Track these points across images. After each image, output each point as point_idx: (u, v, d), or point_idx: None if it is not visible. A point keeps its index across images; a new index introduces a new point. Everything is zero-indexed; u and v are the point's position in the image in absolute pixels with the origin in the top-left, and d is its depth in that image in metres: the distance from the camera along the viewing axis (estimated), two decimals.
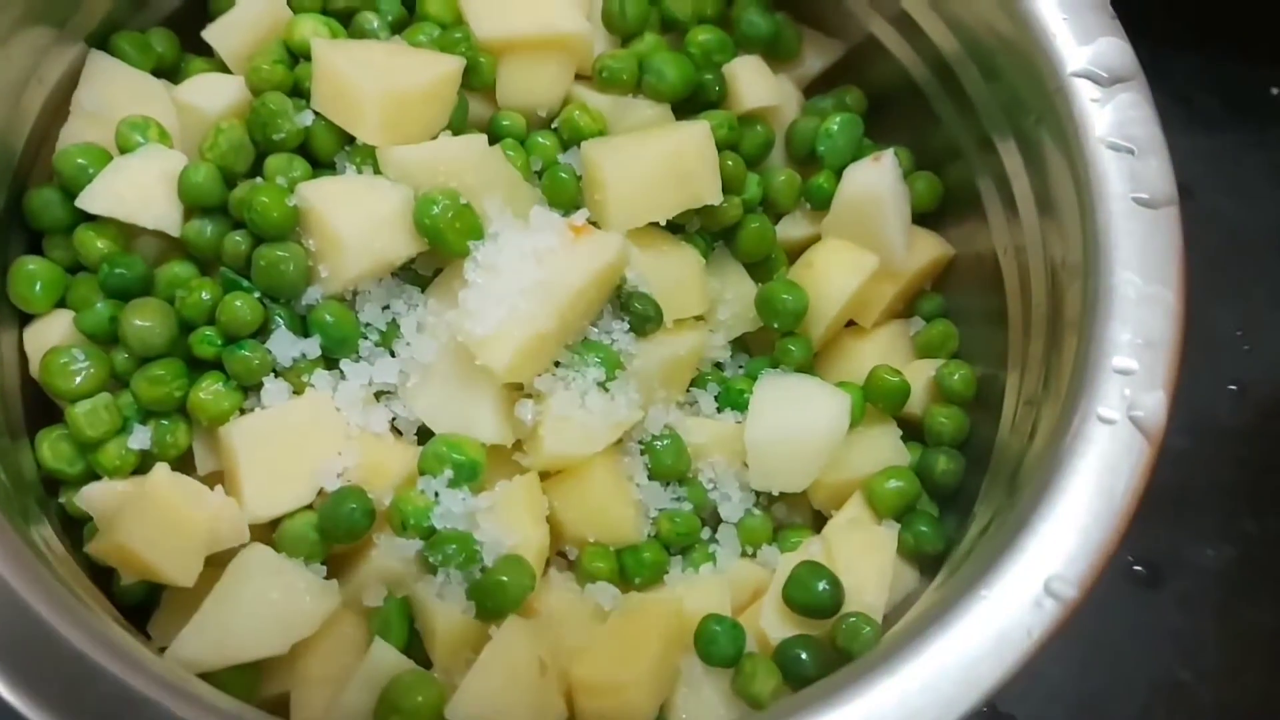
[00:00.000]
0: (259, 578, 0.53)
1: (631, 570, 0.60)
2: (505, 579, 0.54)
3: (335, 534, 0.55)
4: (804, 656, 0.56)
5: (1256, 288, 0.84)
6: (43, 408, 0.60)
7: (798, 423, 0.61)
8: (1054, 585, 0.46)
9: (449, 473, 0.56)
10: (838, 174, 0.67)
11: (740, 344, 0.69)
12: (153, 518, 0.53)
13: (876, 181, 0.65)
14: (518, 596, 0.53)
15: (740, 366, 0.68)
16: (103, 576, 0.56)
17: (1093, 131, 0.53)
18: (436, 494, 0.56)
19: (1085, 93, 0.53)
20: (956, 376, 0.64)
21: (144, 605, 0.57)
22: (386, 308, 0.60)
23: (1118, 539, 0.47)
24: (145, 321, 0.57)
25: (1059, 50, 0.54)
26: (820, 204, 0.68)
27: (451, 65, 0.61)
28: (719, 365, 0.68)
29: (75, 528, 0.58)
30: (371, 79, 0.59)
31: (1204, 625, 0.76)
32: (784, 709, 0.46)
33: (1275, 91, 0.89)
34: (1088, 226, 0.52)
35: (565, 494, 0.59)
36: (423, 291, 0.61)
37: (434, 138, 0.61)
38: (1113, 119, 0.53)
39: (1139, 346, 0.49)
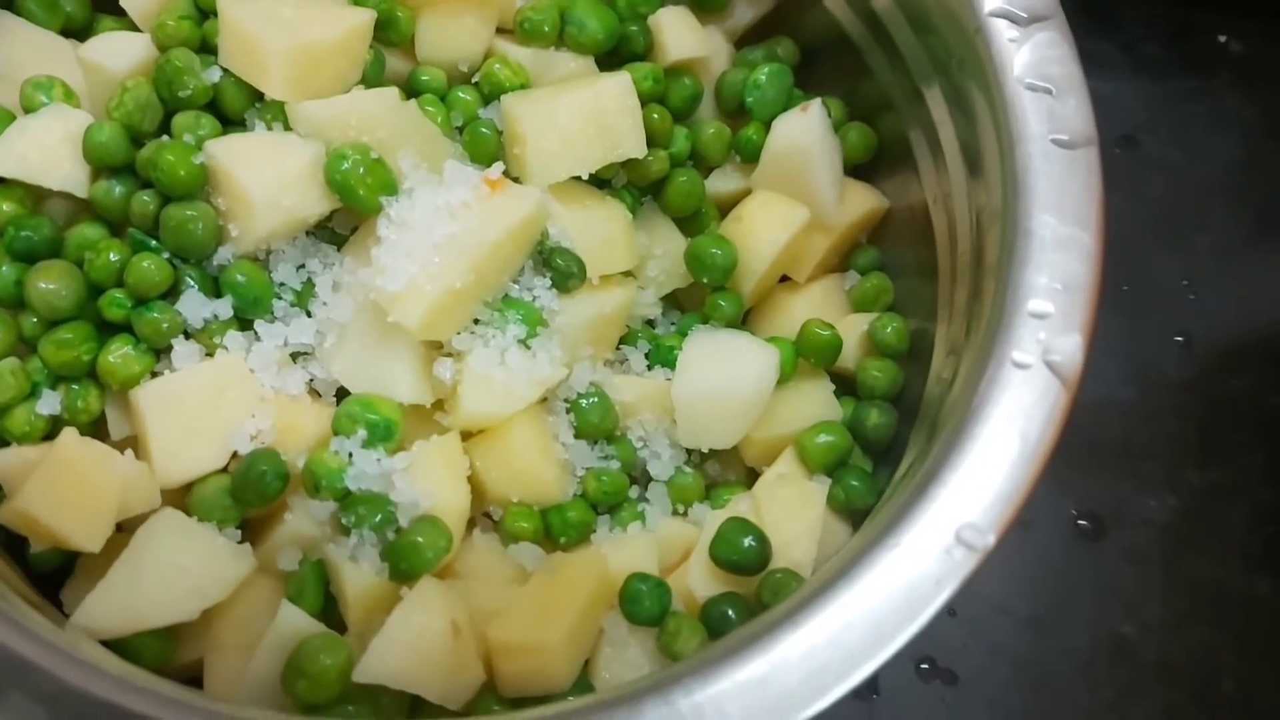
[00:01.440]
0: (169, 542, 0.52)
1: (557, 530, 0.59)
2: (420, 540, 0.53)
3: (248, 498, 0.54)
4: (730, 614, 0.55)
5: (1202, 237, 0.83)
6: None
7: (725, 378, 0.60)
8: (965, 534, 0.45)
9: (363, 433, 0.55)
10: (767, 126, 0.66)
11: (673, 300, 0.68)
12: (60, 483, 0.52)
13: (805, 132, 0.64)
14: (433, 558, 0.52)
15: (672, 324, 0.67)
16: (16, 544, 0.55)
17: (1011, 72, 0.52)
18: (350, 455, 0.55)
19: (1003, 33, 0.52)
20: (889, 329, 0.63)
21: (60, 573, 0.56)
22: (301, 267, 0.59)
23: (1032, 485, 0.46)
24: (51, 284, 0.56)
25: None
26: (750, 156, 0.67)
27: (362, 18, 0.59)
28: (650, 322, 0.67)
29: None
30: (277, 34, 0.57)
31: (1147, 578, 0.76)
32: (694, 663, 0.45)
33: (1222, 39, 0.88)
34: (1006, 170, 0.51)
35: (487, 454, 0.58)
36: (339, 250, 0.60)
37: (346, 92, 0.60)
38: (1030, 59, 0.52)
39: (1055, 290, 0.48)
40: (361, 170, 0.56)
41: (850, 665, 0.43)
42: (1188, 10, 0.88)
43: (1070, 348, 0.48)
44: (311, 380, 0.58)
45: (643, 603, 0.55)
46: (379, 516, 0.53)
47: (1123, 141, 0.82)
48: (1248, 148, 0.85)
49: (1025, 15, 0.52)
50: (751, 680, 0.43)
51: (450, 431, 0.58)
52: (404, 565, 0.52)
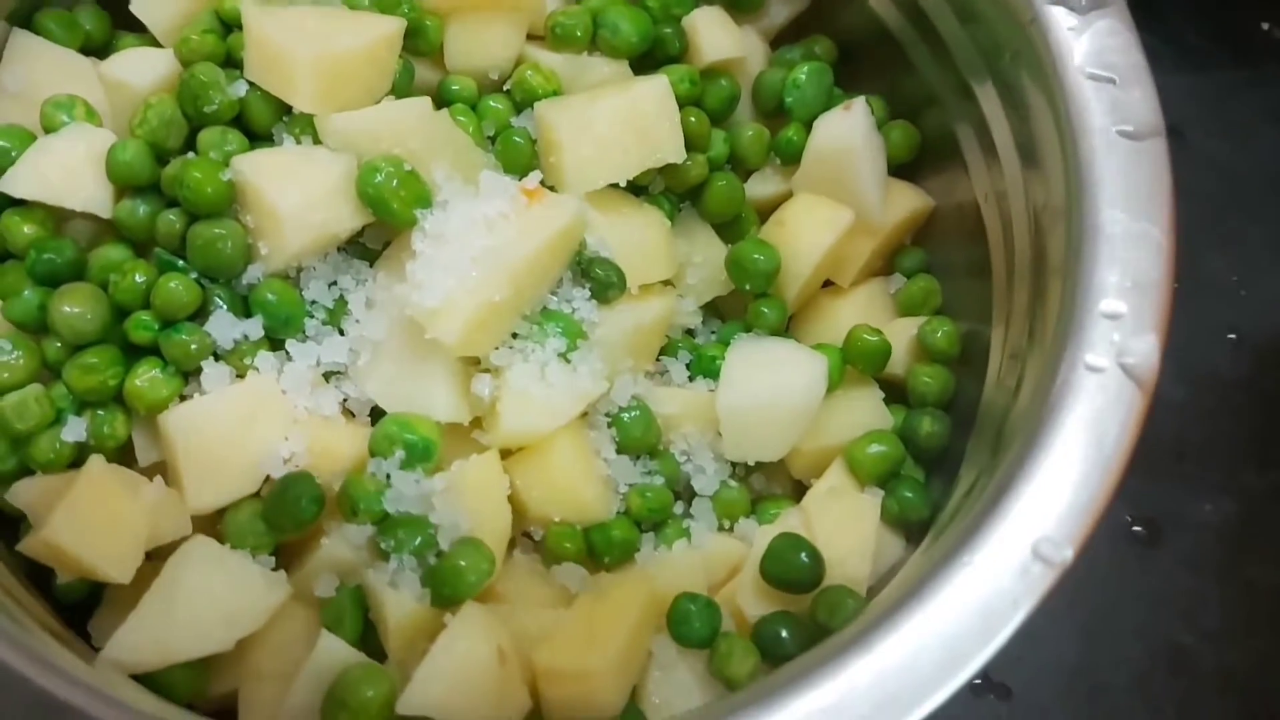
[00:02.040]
0: (202, 571, 0.50)
1: (600, 549, 0.56)
2: (462, 564, 0.51)
3: (282, 524, 0.52)
4: (784, 634, 0.53)
5: (1252, 232, 0.81)
6: None
7: (772, 388, 0.58)
8: (1042, 548, 0.43)
9: (401, 454, 0.52)
10: (807, 126, 0.64)
11: (712, 309, 0.65)
12: (87, 513, 0.50)
13: (848, 132, 0.61)
14: (476, 582, 0.50)
15: (713, 332, 0.65)
16: (42, 575, 0.54)
17: (1071, 62, 0.49)
18: (388, 476, 0.53)
19: (1061, 22, 0.50)
20: (940, 334, 0.61)
21: (86, 603, 0.54)
22: (333, 284, 0.57)
23: (1110, 495, 0.44)
24: (75, 308, 0.54)
25: None
26: (790, 158, 0.65)
27: (390, 26, 0.58)
28: (690, 332, 0.64)
29: (10, 526, 0.55)
30: (305, 44, 0.55)
31: (1205, 585, 0.73)
32: (755, 692, 0.43)
33: (1266, 28, 0.85)
34: (1069, 164, 0.49)
35: (528, 472, 0.56)
36: (371, 266, 0.58)
37: (376, 103, 0.58)
38: (1091, 47, 0.49)
39: (1127, 288, 0.46)
40: (395, 183, 0.54)
41: (923, 692, 0.41)
42: (1230, 1, 0.85)
43: (1145, 349, 0.45)
44: (345, 400, 0.56)
45: (692, 624, 0.53)
46: (419, 539, 0.51)
47: (1169, 134, 0.79)
48: None
49: (1084, 3, 0.50)
50: (817, 711, 0.41)
51: (489, 450, 0.56)
52: (446, 590, 0.50)
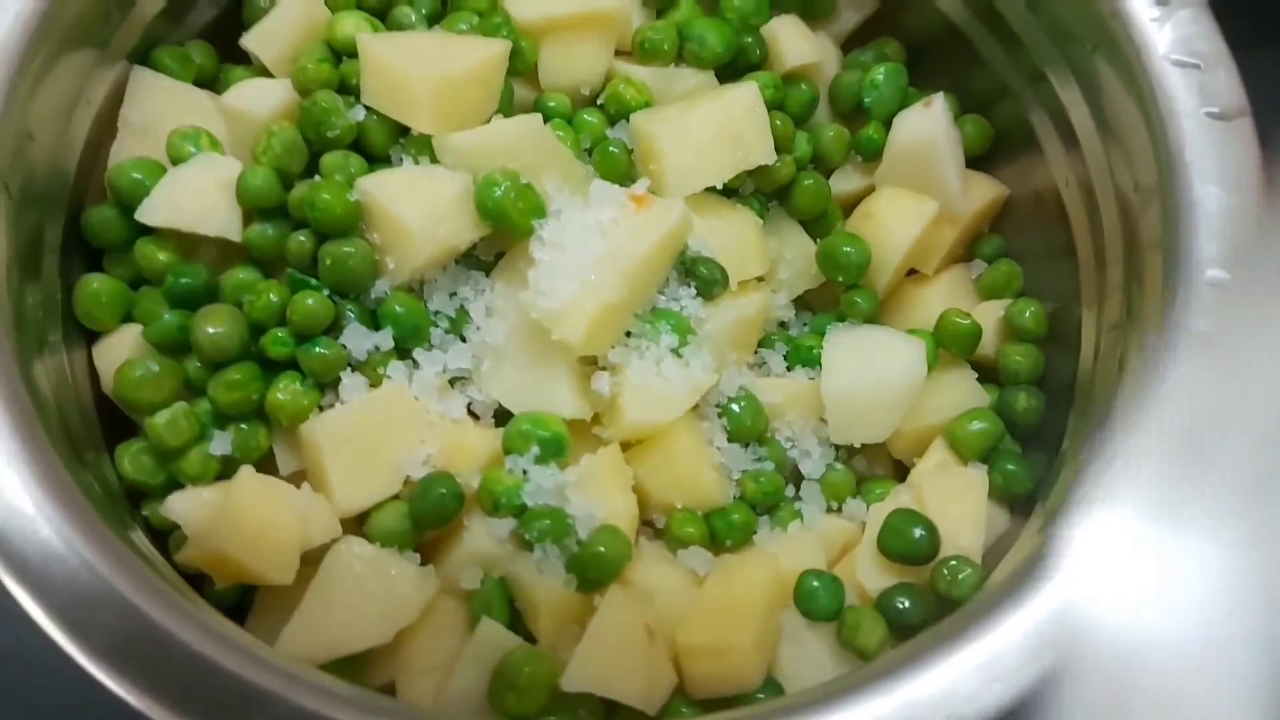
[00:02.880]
0: (355, 570, 0.53)
1: (722, 533, 0.59)
2: (603, 549, 0.53)
3: (428, 520, 0.55)
4: (907, 604, 0.55)
5: None
6: (114, 424, 0.60)
7: (874, 373, 0.61)
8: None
9: (535, 450, 0.55)
10: (886, 124, 0.67)
11: (801, 302, 0.68)
12: (245, 521, 0.53)
13: (930, 127, 0.65)
14: (618, 565, 0.53)
15: (804, 324, 0.68)
16: (193, 585, 0.56)
17: (1156, 51, 0.52)
18: (525, 472, 0.56)
19: (1144, 14, 0.53)
20: (1028, 314, 0.64)
21: (238, 608, 0.57)
22: (454, 294, 0.60)
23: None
24: (218, 328, 0.57)
25: None
26: (871, 155, 0.68)
27: (497, 48, 0.61)
28: (783, 325, 0.67)
29: (160, 539, 0.58)
30: (421, 67, 0.59)
31: None
32: (894, 660, 0.45)
33: None
34: (1160, 147, 0.52)
35: (649, 462, 0.59)
36: (487, 275, 0.61)
37: (486, 122, 0.61)
38: (1174, 36, 0.52)
39: (1230, 258, 0.49)
40: (513, 195, 0.58)
41: (1069, 648, 0.43)
42: None
43: (1255, 314, 0.48)
44: (470, 403, 0.59)
45: (819, 599, 0.56)
46: (559, 530, 0.54)
47: None
48: None
49: None
50: (974, 668, 0.43)
51: (611, 443, 0.59)
52: (592, 575, 0.53)
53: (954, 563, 0.55)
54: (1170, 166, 0.51)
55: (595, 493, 0.56)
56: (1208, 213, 0.49)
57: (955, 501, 0.58)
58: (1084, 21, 0.57)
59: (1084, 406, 0.57)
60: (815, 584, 0.56)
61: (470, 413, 0.60)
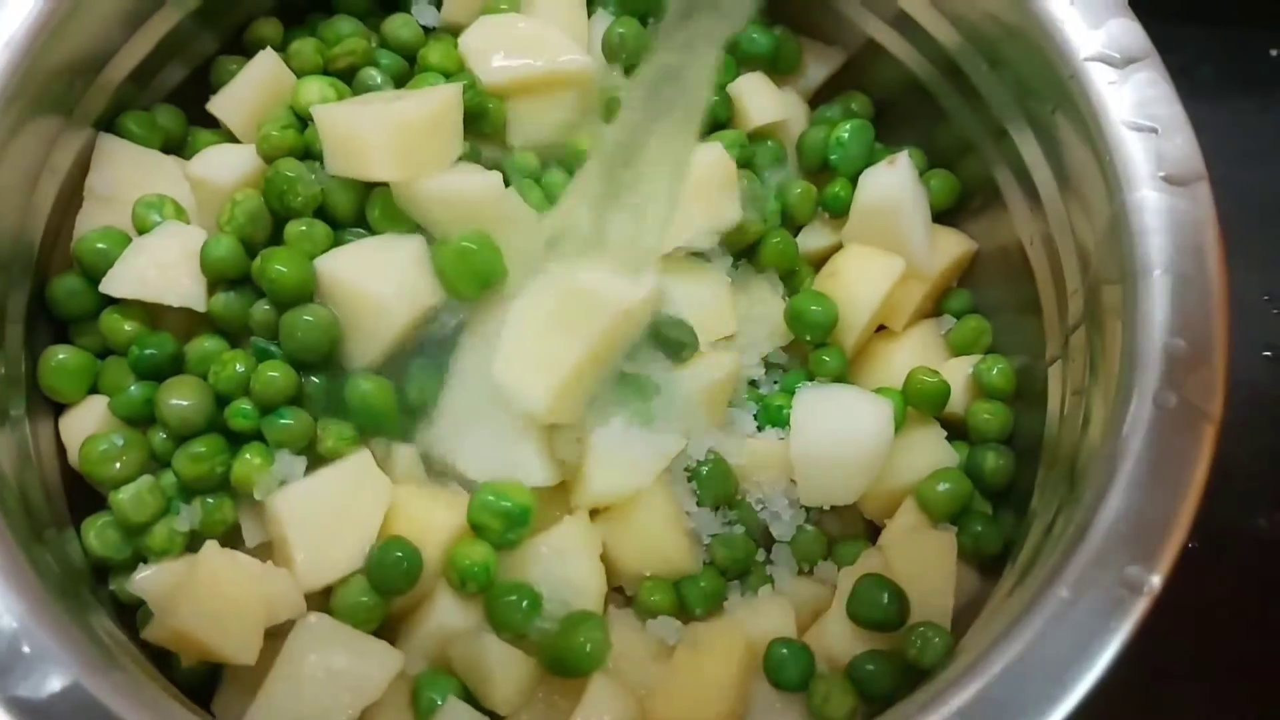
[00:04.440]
0: (320, 647, 0.53)
1: (692, 601, 0.59)
2: (582, 639, 0.53)
3: (386, 586, 0.54)
4: (876, 671, 0.55)
5: (1278, 252, 0.83)
6: (83, 495, 0.59)
7: (843, 433, 0.61)
8: (1131, 576, 0.45)
9: (500, 522, 0.55)
10: (853, 181, 0.67)
11: (772, 357, 0.68)
12: (208, 599, 0.52)
13: (895, 184, 0.65)
14: (599, 657, 0.53)
15: (775, 382, 0.68)
16: (161, 660, 0.56)
17: (1113, 114, 0.53)
18: (490, 545, 0.55)
19: (1101, 76, 0.53)
20: (995, 371, 0.63)
21: (207, 685, 0.57)
22: (419, 359, 0.60)
23: (1190, 522, 0.46)
24: (183, 400, 0.57)
25: (1069, 37, 0.54)
26: (838, 212, 0.68)
27: (450, 91, 0.60)
28: (754, 383, 0.67)
29: (128, 614, 0.57)
30: (374, 119, 0.58)
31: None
32: None
33: (1275, 53, 0.88)
34: (1117, 210, 0.52)
35: (617, 530, 0.58)
36: (454, 341, 0.61)
37: (449, 168, 0.60)
38: (1132, 99, 0.52)
39: (1185, 324, 0.49)
40: (471, 259, 0.58)
41: (1036, 715, 0.43)
42: (1236, 29, 0.89)
43: (1207, 380, 0.48)
44: (437, 470, 0.59)
45: (788, 669, 0.55)
46: (526, 603, 0.54)
47: None
48: None
49: (1120, 57, 0.53)
50: None
51: (578, 511, 0.58)
52: (571, 666, 0.53)
53: (923, 629, 0.55)
54: (1126, 231, 0.51)
55: (564, 563, 0.56)
56: (1164, 277, 0.49)
57: (924, 565, 0.58)
58: (1043, 82, 0.57)
59: (1051, 463, 0.57)
60: (784, 652, 0.55)
61: (439, 480, 0.59)
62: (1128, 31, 0.54)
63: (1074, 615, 0.44)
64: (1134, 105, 0.52)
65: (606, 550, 0.58)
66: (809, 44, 0.72)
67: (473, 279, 0.58)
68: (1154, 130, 0.52)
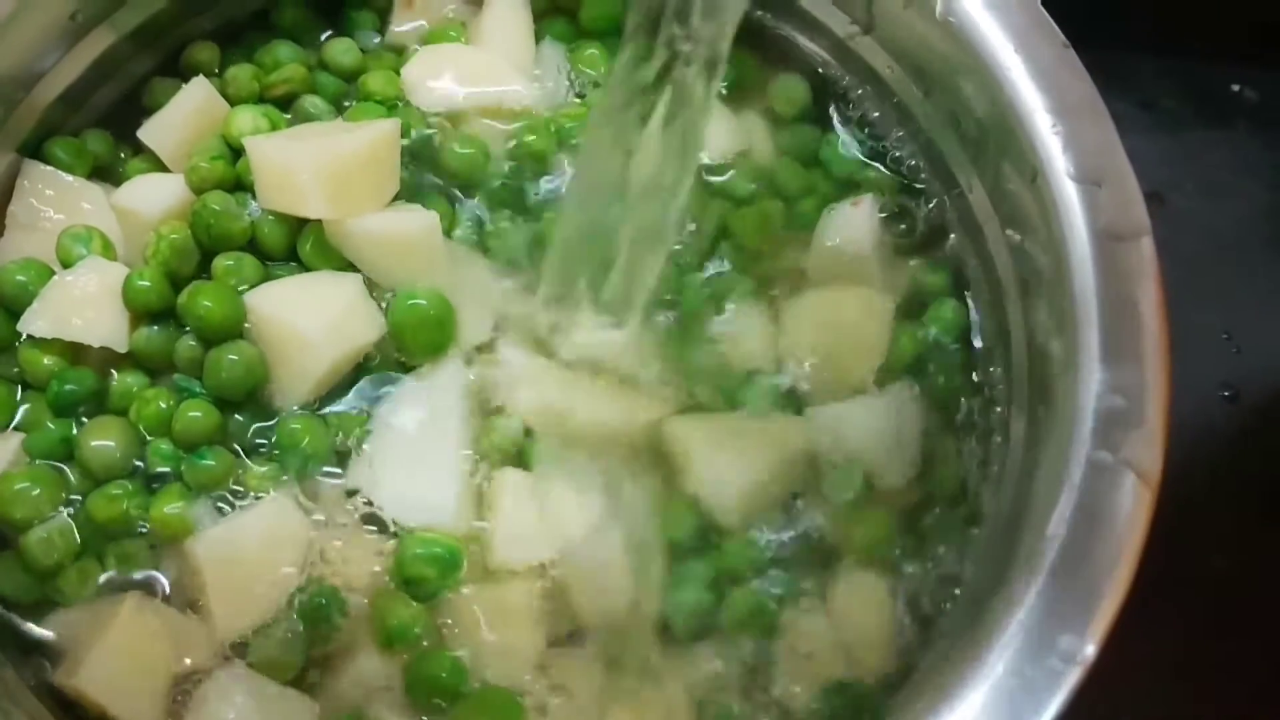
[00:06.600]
0: (234, 699, 0.51)
1: None
2: None
3: (308, 633, 0.53)
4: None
5: (1239, 287, 0.82)
6: None
7: None
8: (1064, 646, 0.44)
9: (434, 568, 0.53)
10: None
11: None
12: (113, 655, 0.51)
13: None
14: None
15: None
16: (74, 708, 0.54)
17: (1057, 166, 0.51)
18: (421, 600, 0.54)
19: (1046, 128, 0.52)
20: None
21: None
22: (346, 396, 0.58)
23: (1126, 587, 0.45)
24: (106, 441, 0.55)
25: (1018, 87, 0.53)
26: None
27: (386, 126, 0.59)
28: None
29: (37, 654, 0.55)
30: (308, 155, 0.57)
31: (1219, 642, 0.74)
32: None
33: (1236, 88, 0.88)
34: (1060, 266, 0.50)
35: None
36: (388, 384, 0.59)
37: (384, 207, 0.59)
38: (1075, 151, 0.51)
39: (1126, 386, 0.47)
40: (421, 316, 0.57)
41: None
42: (1199, 62, 0.88)
43: (1148, 443, 0.47)
44: (364, 513, 0.57)
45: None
46: (446, 674, 0.52)
47: (1149, 199, 0.81)
48: (1275, 193, 0.84)
49: (1061, 106, 0.52)
50: None
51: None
52: None
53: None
54: (1069, 289, 0.50)
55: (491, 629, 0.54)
56: (1104, 336, 0.48)
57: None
58: (993, 134, 0.56)
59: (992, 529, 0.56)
60: None
61: (366, 522, 0.57)
62: (1071, 81, 0.52)
63: (1003, 691, 0.43)
64: (1077, 158, 0.51)
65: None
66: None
67: (425, 344, 0.57)
68: (1097, 185, 0.50)
